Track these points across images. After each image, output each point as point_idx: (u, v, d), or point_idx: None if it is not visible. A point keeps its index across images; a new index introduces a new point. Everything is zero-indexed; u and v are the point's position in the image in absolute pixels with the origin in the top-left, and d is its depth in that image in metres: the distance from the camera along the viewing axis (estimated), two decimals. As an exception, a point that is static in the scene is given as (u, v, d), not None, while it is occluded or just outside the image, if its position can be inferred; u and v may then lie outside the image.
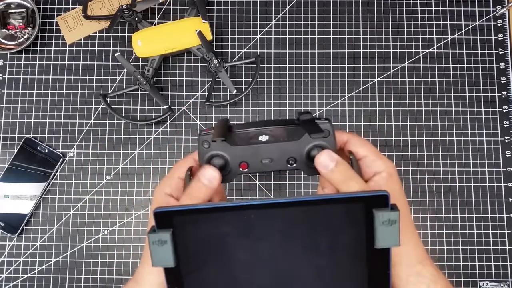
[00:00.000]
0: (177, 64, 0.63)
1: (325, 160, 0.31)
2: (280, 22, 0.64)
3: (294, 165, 0.33)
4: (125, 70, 0.63)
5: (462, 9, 0.64)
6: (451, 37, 0.64)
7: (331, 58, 0.63)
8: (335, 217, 0.29)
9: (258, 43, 0.63)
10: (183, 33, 0.59)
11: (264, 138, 0.33)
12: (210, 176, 0.32)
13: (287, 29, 0.64)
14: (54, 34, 0.63)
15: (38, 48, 0.63)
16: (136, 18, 0.60)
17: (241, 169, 0.33)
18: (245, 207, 0.29)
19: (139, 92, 0.62)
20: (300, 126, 0.33)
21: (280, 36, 0.64)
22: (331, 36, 0.64)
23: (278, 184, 0.61)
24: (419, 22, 0.64)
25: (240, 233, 0.30)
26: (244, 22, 0.64)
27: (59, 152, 0.61)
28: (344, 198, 0.29)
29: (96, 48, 0.63)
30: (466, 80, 0.63)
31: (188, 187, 0.33)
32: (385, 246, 0.28)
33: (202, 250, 0.30)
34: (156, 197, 0.35)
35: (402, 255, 0.32)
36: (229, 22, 0.64)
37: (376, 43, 0.63)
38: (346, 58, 0.63)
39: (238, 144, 0.33)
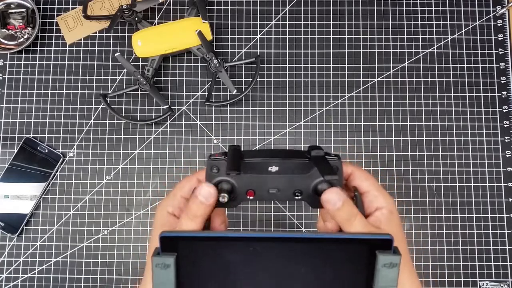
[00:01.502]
0: (177, 64, 0.63)
1: (333, 199, 0.32)
2: (280, 22, 0.64)
3: (300, 197, 0.33)
4: (125, 70, 0.63)
5: (462, 9, 0.64)
6: (451, 37, 0.64)
7: (331, 58, 0.63)
8: (338, 255, 0.29)
9: (258, 43, 0.63)
10: (183, 33, 0.59)
11: (273, 169, 0.33)
12: (206, 193, 0.32)
13: (287, 29, 0.64)
14: (54, 34, 0.63)
15: (38, 48, 0.63)
16: (136, 18, 0.60)
17: (247, 197, 0.34)
18: (250, 238, 0.29)
19: (139, 92, 0.62)
20: (312, 162, 0.34)
21: (280, 36, 0.64)
22: (331, 36, 0.64)
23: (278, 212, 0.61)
24: (419, 22, 0.64)
25: (244, 263, 0.30)
26: (244, 22, 0.64)
27: (59, 152, 0.61)
28: (350, 238, 0.29)
29: (96, 48, 0.63)
30: (466, 80, 0.63)
31: (186, 206, 0.33)
32: None
33: (205, 276, 0.30)
34: (158, 216, 0.35)
35: (407, 282, 0.33)
36: (229, 22, 0.64)
37: (376, 43, 0.63)
38: (346, 58, 0.63)
39: (247, 172, 0.33)
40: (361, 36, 0.64)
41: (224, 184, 0.33)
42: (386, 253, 0.28)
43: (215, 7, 0.64)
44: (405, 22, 0.64)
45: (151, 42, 0.59)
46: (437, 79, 0.63)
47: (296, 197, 0.33)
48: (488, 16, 0.64)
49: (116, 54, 0.59)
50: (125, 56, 0.63)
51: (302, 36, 0.64)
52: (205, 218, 0.32)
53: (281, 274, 0.30)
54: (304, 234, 0.29)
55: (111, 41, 0.63)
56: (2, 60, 0.63)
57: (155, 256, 0.28)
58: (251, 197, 0.33)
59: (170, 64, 0.63)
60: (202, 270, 0.30)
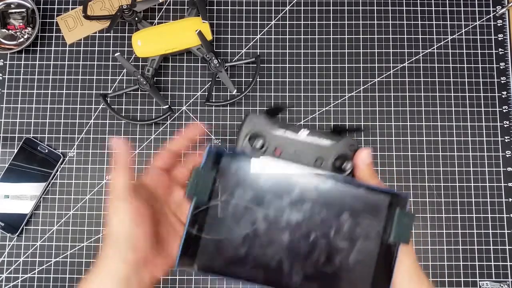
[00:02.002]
0: (177, 64, 0.63)
1: (366, 155, 0.36)
2: (280, 22, 0.64)
3: (320, 166, 0.37)
4: (125, 70, 0.63)
5: (462, 9, 0.64)
6: (451, 37, 0.64)
7: (331, 58, 0.63)
8: (363, 204, 0.33)
9: (258, 43, 0.63)
10: (183, 33, 0.59)
11: (303, 133, 0.37)
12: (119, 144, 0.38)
13: (287, 29, 0.64)
14: (54, 34, 0.63)
15: (38, 48, 0.63)
16: (136, 18, 0.60)
17: (274, 153, 0.37)
18: (289, 168, 0.33)
19: (139, 92, 0.62)
20: (334, 132, 0.38)
21: (280, 36, 0.64)
22: (331, 36, 0.64)
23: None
24: (419, 22, 0.64)
25: (277, 192, 0.32)
26: (244, 22, 0.64)
27: (59, 152, 0.61)
28: (378, 188, 0.33)
29: (96, 48, 0.63)
30: (466, 80, 0.63)
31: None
32: (397, 242, 0.32)
33: (235, 200, 0.32)
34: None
35: (406, 256, 0.34)
36: (229, 22, 0.64)
37: (376, 43, 0.63)
38: (346, 58, 0.63)
39: (280, 130, 0.37)
40: (361, 36, 0.64)
41: (256, 138, 0.37)
42: (404, 209, 0.32)
43: (215, 7, 0.64)
44: (405, 22, 0.64)
45: (151, 42, 0.59)
46: (437, 79, 0.63)
47: (316, 165, 0.37)
48: (488, 16, 0.64)
49: (116, 54, 0.59)
50: (125, 56, 0.63)
51: (302, 36, 0.64)
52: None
53: (308, 209, 0.33)
54: (341, 175, 0.34)
55: (111, 41, 0.63)
56: (2, 60, 0.63)
57: (197, 167, 0.32)
58: (278, 155, 0.37)
59: (170, 64, 0.63)
60: (235, 192, 0.32)
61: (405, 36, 0.64)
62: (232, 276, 0.32)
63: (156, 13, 0.64)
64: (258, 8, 0.64)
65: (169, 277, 0.58)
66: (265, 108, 0.37)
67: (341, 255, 0.33)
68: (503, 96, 0.62)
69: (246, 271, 0.32)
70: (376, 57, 0.63)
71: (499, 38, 0.63)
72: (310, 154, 0.37)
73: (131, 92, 0.62)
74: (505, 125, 0.62)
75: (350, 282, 0.33)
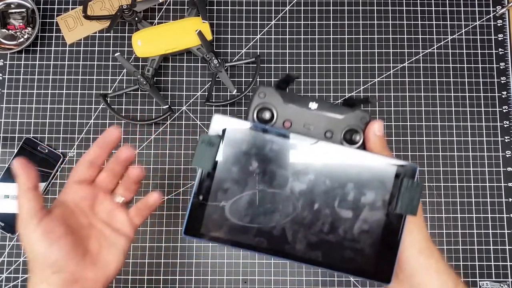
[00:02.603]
0: (177, 64, 0.63)
1: (378, 127, 0.36)
2: (280, 22, 0.64)
3: (330, 139, 0.37)
4: (125, 70, 0.63)
5: (462, 9, 0.64)
6: (451, 37, 0.64)
7: (331, 58, 0.63)
8: (370, 174, 0.33)
9: (258, 43, 0.63)
10: (183, 33, 0.59)
11: (313, 106, 0.36)
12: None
13: (287, 29, 0.64)
14: (54, 34, 0.63)
15: (38, 48, 0.63)
16: (136, 18, 0.60)
17: (284, 127, 0.37)
18: (296, 137, 0.33)
19: (139, 92, 0.62)
20: (345, 105, 0.38)
21: (280, 36, 0.64)
22: (331, 36, 0.64)
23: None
24: (419, 22, 0.64)
25: (282, 162, 0.33)
26: (244, 22, 0.64)
27: (59, 152, 0.61)
28: (385, 158, 0.33)
29: (96, 48, 0.63)
30: (466, 80, 0.63)
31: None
32: (404, 213, 0.32)
33: (240, 168, 0.33)
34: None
35: (416, 228, 0.35)
36: (229, 22, 0.64)
37: (376, 43, 0.63)
38: (346, 58, 0.63)
39: (289, 102, 0.36)
40: (361, 36, 0.64)
41: (266, 110, 0.36)
42: (411, 179, 0.32)
43: (215, 7, 0.64)
44: (405, 22, 0.64)
45: (151, 42, 0.59)
46: (437, 79, 0.63)
47: (326, 137, 0.37)
48: (488, 16, 0.64)
49: (116, 54, 0.59)
50: (125, 56, 0.63)
51: (302, 36, 0.64)
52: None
53: (313, 178, 0.33)
54: (347, 146, 0.34)
55: (111, 41, 0.63)
56: (2, 60, 0.63)
57: (203, 134, 0.32)
58: (288, 127, 0.37)
59: (170, 64, 0.63)
60: (240, 161, 0.33)
61: (405, 36, 0.64)
62: (236, 244, 0.33)
63: (156, 13, 0.64)
64: (258, 8, 0.64)
65: (169, 277, 0.59)
66: (276, 80, 0.36)
67: (346, 224, 0.33)
68: (503, 96, 0.62)
69: (250, 239, 0.33)
70: (376, 57, 0.63)
71: (499, 38, 0.63)
72: (320, 127, 0.36)
73: (131, 92, 0.62)
74: (505, 125, 0.62)
75: (354, 252, 0.33)
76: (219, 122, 0.32)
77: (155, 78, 0.62)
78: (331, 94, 0.62)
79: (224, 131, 0.32)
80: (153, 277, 0.59)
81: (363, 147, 0.36)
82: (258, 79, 0.62)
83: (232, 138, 0.33)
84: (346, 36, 0.64)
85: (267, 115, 0.36)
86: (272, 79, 0.63)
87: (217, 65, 0.59)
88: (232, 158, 0.33)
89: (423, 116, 0.62)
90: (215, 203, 0.33)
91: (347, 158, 0.33)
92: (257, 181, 0.33)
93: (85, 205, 0.40)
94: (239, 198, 0.33)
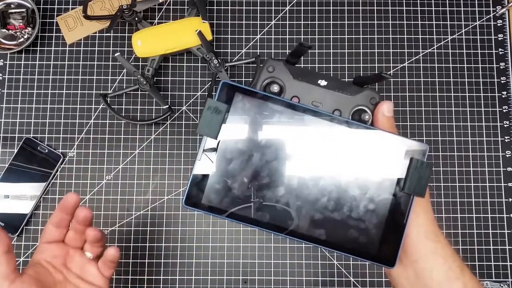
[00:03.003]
0: (177, 64, 0.63)
1: (389, 107, 0.35)
2: (280, 22, 0.64)
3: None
4: (125, 70, 0.63)
5: (462, 9, 0.64)
6: (451, 37, 0.64)
7: (331, 58, 0.63)
8: (379, 151, 0.32)
9: (258, 43, 0.63)
10: (183, 33, 0.59)
11: (322, 82, 0.35)
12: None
13: (287, 29, 0.64)
14: (54, 34, 0.63)
15: (38, 48, 0.63)
16: (136, 18, 0.60)
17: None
18: (309, 111, 0.32)
19: (139, 92, 0.62)
20: (355, 84, 0.36)
21: (280, 36, 0.64)
22: (331, 36, 0.64)
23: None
24: (419, 22, 0.64)
25: (289, 135, 0.32)
26: (244, 22, 0.64)
27: (59, 152, 0.61)
28: (394, 135, 0.32)
29: (96, 48, 0.63)
30: (466, 80, 0.63)
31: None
32: (412, 193, 0.31)
33: (247, 138, 0.31)
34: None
35: (423, 211, 0.33)
36: (229, 22, 0.64)
37: (376, 43, 0.63)
38: (346, 58, 0.63)
39: (298, 78, 0.35)
40: (361, 36, 0.64)
41: (274, 84, 0.35)
42: (421, 159, 0.31)
43: (215, 7, 0.64)
44: (405, 22, 0.64)
45: (151, 42, 0.59)
46: (437, 79, 0.63)
47: None
48: (488, 16, 0.64)
49: (116, 54, 0.59)
50: (125, 56, 0.63)
51: (302, 36, 0.64)
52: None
53: (319, 151, 0.32)
54: (355, 121, 0.32)
55: (111, 41, 0.63)
56: (2, 60, 0.63)
57: (210, 99, 0.30)
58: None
59: (170, 64, 0.63)
60: (245, 130, 0.31)
61: (405, 36, 0.64)
62: (237, 217, 0.32)
63: (156, 13, 0.64)
64: (258, 8, 0.64)
65: (169, 277, 0.59)
66: (288, 52, 0.35)
67: (352, 202, 0.32)
68: (503, 96, 0.62)
69: (252, 213, 0.32)
70: (376, 57, 0.63)
71: (499, 38, 0.63)
72: (328, 105, 0.35)
73: (131, 92, 0.62)
74: (505, 125, 0.62)
75: (359, 232, 0.32)
76: (226, 89, 0.31)
77: (155, 78, 0.62)
78: (331, 94, 0.62)
79: (232, 98, 0.31)
80: (153, 277, 0.59)
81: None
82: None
83: (239, 106, 0.31)
84: (346, 36, 0.64)
85: (275, 89, 0.35)
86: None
87: (217, 65, 0.59)
88: (239, 127, 0.31)
89: (423, 116, 0.62)
90: (218, 173, 0.31)
91: (356, 134, 0.32)
92: (262, 152, 0.32)
93: (58, 262, 0.42)
94: (242, 170, 0.31)
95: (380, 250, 0.32)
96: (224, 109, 0.30)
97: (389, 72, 0.34)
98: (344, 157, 0.32)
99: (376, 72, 0.34)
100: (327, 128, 0.32)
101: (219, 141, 0.31)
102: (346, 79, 0.63)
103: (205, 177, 0.31)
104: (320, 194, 0.32)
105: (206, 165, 0.31)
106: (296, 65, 0.36)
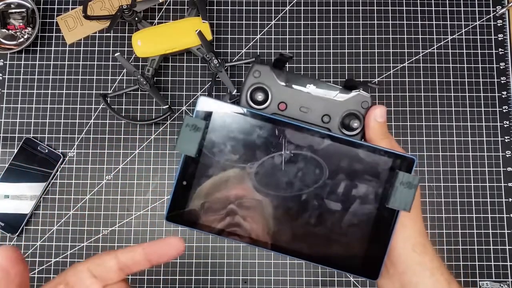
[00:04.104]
0: (177, 64, 0.63)
1: (380, 113, 0.33)
2: (280, 22, 0.64)
3: (327, 123, 0.34)
4: (125, 70, 0.63)
5: (462, 9, 0.64)
6: (451, 37, 0.64)
7: (331, 58, 0.63)
8: (361, 165, 0.31)
9: (258, 43, 0.63)
10: (183, 33, 0.59)
11: (311, 88, 0.34)
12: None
13: (287, 29, 0.64)
14: (54, 34, 0.63)
15: (38, 48, 0.63)
16: (136, 18, 0.60)
17: (279, 109, 0.34)
18: (290, 125, 0.31)
19: (139, 92, 0.62)
20: (346, 87, 0.35)
21: (280, 36, 0.64)
22: (331, 36, 0.64)
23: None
24: (419, 22, 0.64)
25: (270, 148, 0.31)
26: (244, 22, 0.64)
27: (59, 152, 0.61)
28: (378, 149, 0.31)
29: (96, 48, 0.63)
30: (466, 80, 0.63)
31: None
32: (397, 208, 0.30)
33: (226, 154, 0.31)
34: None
35: (411, 223, 0.33)
36: (229, 22, 0.64)
37: (376, 43, 0.63)
38: (346, 58, 0.63)
39: (286, 83, 0.34)
40: (361, 36, 0.64)
41: (260, 90, 0.34)
42: (406, 173, 0.30)
43: (215, 7, 0.64)
44: (405, 22, 0.64)
45: (151, 42, 0.59)
46: (437, 79, 0.63)
47: (324, 122, 0.34)
48: (488, 16, 0.64)
49: (116, 54, 0.59)
50: (125, 56, 0.63)
51: (302, 36, 0.64)
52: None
53: (300, 167, 0.31)
54: (337, 134, 0.31)
55: (111, 41, 0.63)
56: (2, 60, 0.63)
57: (188, 116, 0.29)
58: (283, 110, 0.34)
59: (170, 64, 0.63)
60: (225, 144, 0.31)
61: (405, 36, 0.64)
62: (219, 233, 0.31)
63: (156, 13, 0.64)
64: (258, 8, 0.64)
65: (169, 277, 0.59)
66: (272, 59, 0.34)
67: (334, 217, 0.31)
68: (503, 96, 0.62)
69: (234, 228, 0.31)
70: (376, 57, 0.63)
71: (499, 38, 0.63)
72: (317, 110, 0.34)
73: (131, 92, 0.62)
74: (505, 125, 0.62)
75: (341, 246, 0.31)
76: (205, 105, 0.30)
77: (155, 78, 0.62)
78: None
79: (210, 114, 0.30)
80: (153, 277, 0.59)
81: (363, 133, 0.34)
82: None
83: (218, 122, 0.30)
84: (346, 36, 0.64)
85: (260, 96, 0.34)
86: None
87: (217, 65, 0.59)
88: (218, 143, 0.31)
89: (423, 116, 0.62)
90: (200, 189, 0.31)
91: (341, 147, 0.31)
92: (243, 167, 0.31)
93: None
94: (222, 185, 0.31)
95: (363, 263, 0.31)
96: (203, 125, 0.30)
97: (374, 81, 0.33)
98: (327, 170, 0.31)
99: (362, 79, 0.33)
100: (309, 140, 0.31)
101: (199, 158, 0.31)
102: (339, 81, 0.63)
103: (186, 193, 0.31)
104: (302, 208, 0.31)
105: (186, 181, 0.31)
106: (285, 68, 0.35)
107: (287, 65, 0.39)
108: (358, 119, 0.34)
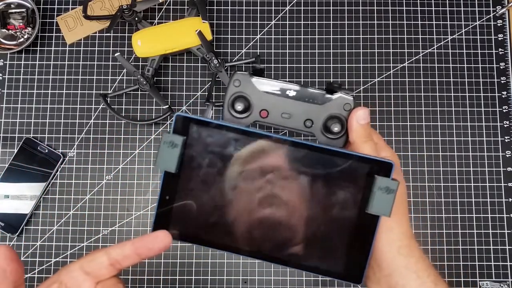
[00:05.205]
0: (177, 64, 0.63)
1: (363, 115, 0.33)
2: (280, 22, 0.64)
3: (310, 128, 0.34)
4: (125, 70, 0.63)
5: (462, 9, 0.64)
6: (451, 37, 0.64)
7: (331, 58, 0.63)
8: (339, 172, 0.31)
9: (258, 43, 0.63)
10: (183, 33, 0.59)
11: (291, 93, 0.34)
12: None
13: (287, 29, 0.64)
14: (54, 34, 0.63)
15: (38, 48, 0.63)
16: (136, 18, 0.60)
17: (261, 116, 0.34)
18: (263, 136, 0.31)
19: (139, 92, 0.62)
20: (327, 91, 0.35)
21: (280, 36, 0.64)
22: (331, 36, 0.64)
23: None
24: (419, 22, 0.64)
25: (248, 159, 0.31)
26: (244, 22, 0.64)
27: (59, 152, 0.61)
28: (354, 155, 0.30)
29: (96, 48, 0.63)
30: (466, 80, 0.63)
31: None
32: (376, 213, 0.30)
33: (204, 168, 0.31)
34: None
35: (396, 226, 0.33)
36: (229, 22, 0.64)
37: (376, 43, 0.63)
38: (346, 58, 0.63)
39: (265, 90, 0.34)
40: (361, 36, 0.64)
41: (241, 99, 0.34)
42: (384, 177, 0.29)
43: (215, 7, 0.64)
44: (405, 22, 0.64)
45: (151, 42, 0.59)
46: (437, 79, 0.63)
47: (306, 127, 0.34)
48: (488, 16, 0.64)
49: (116, 54, 0.59)
50: (125, 56, 0.63)
51: (302, 36, 0.64)
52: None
53: (279, 178, 0.31)
54: (313, 143, 0.31)
55: (111, 41, 0.63)
56: (2, 60, 0.63)
57: (166, 134, 0.30)
58: (264, 117, 0.34)
59: (170, 64, 0.63)
60: (204, 158, 0.31)
61: (405, 36, 0.64)
62: (204, 243, 0.32)
63: (156, 13, 0.64)
64: (258, 8, 0.64)
65: (169, 277, 0.59)
66: (247, 72, 0.34)
67: (315, 223, 0.31)
68: (503, 96, 0.62)
69: (218, 238, 0.32)
70: (376, 57, 0.63)
71: (499, 38, 0.63)
72: (299, 115, 0.34)
73: (131, 92, 0.62)
74: (505, 125, 0.62)
75: (324, 252, 0.32)
76: (181, 122, 0.31)
77: (155, 78, 0.62)
78: (331, 94, 0.62)
79: (187, 130, 0.31)
80: (153, 277, 0.59)
81: (347, 136, 0.34)
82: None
83: (195, 137, 0.31)
84: (346, 36, 0.64)
85: (242, 105, 0.34)
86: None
87: (217, 65, 0.59)
88: (197, 157, 0.31)
89: (423, 116, 0.62)
90: (182, 203, 0.32)
91: (319, 155, 0.31)
92: (221, 180, 0.31)
93: None
94: (204, 197, 0.32)
95: (346, 268, 0.31)
96: (180, 142, 0.30)
97: (348, 90, 0.34)
98: (305, 178, 0.31)
99: (340, 82, 0.34)
100: (287, 150, 0.31)
101: (179, 173, 0.31)
102: (338, 81, 0.63)
103: (169, 208, 0.32)
104: (284, 215, 0.32)
105: (169, 196, 0.32)
106: (265, 75, 0.36)
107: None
108: (341, 122, 0.34)
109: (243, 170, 0.31)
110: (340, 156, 0.31)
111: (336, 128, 0.33)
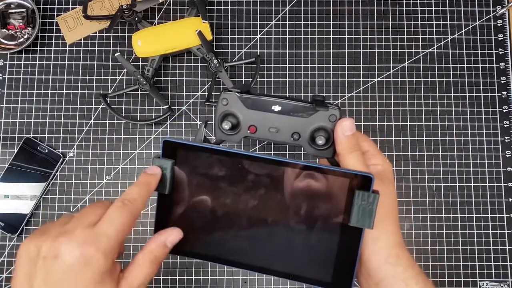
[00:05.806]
0: (177, 64, 0.63)
1: (348, 126, 0.34)
2: (280, 22, 0.64)
3: (298, 140, 0.35)
4: (125, 70, 0.63)
5: (462, 9, 0.64)
6: (451, 37, 0.64)
7: (331, 58, 0.63)
8: (324, 185, 0.32)
9: (258, 43, 0.63)
10: (183, 33, 0.59)
11: (276, 108, 0.35)
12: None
13: (287, 29, 0.64)
14: (54, 34, 0.63)
15: (38, 48, 0.63)
16: (136, 18, 0.60)
17: (249, 132, 0.36)
18: (245, 156, 0.32)
19: (139, 92, 0.62)
20: (312, 104, 0.36)
21: (280, 36, 0.64)
22: (331, 36, 0.64)
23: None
24: (419, 22, 0.64)
25: (232, 180, 0.33)
26: (244, 22, 0.64)
27: (59, 152, 0.61)
28: (332, 170, 0.31)
29: (96, 48, 0.63)
30: (466, 80, 0.63)
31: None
32: (358, 226, 0.31)
33: (194, 188, 0.34)
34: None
35: (383, 235, 0.33)
36: (229, 22, 0.64)
37: (376, 43, 0.63)
38: (346, 58, 0.63)
39: (252, 107, 0.36)
40: (361, 36, 0.64)
41: (230, 116, 0.36)
42: (364, 191, 0.30)
43: (215, 7, 0.64)
44: (405, 22, 0.64)
45: (151, 42, 0.59)
46: (437, 79, 0.63)
47: (294, 140, 0.36)
48: (488, 16, 0.64)
49: (116, 54, 0.59)
50: (125, 56, 0.63)
51: (302, 36, 0.64)
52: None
53: (263, 195, 0.33)
54: (292, 160, 0.32)
55: (111, 41, 0.63)
56: (2, 60, 0.63)
57: (155, 158, 0.33)
58: (253, 133, 0.36)
59: (170, 64, 0.63)
60: (194, 181, 0.33)
61: (405, 36, 0.64)
62: (199, 257, 0.34)
63: (156, 13, 0.64)
64: (258, 8, 0.64)
65: (169, 277, 0.59)
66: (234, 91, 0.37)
67: (301, 237, 0.33)
68: (503, 96, 0.62)
69: (212, 252, 0.34)
70: (376, 57, 0.63)
71: (499, 38, 0.63)
72: (286, 129, 0.35)
73: (131, 92, 0.62)
74: (505, 125, 0.62)
75: (311, 263, 0.33)
76: (169, 147, 0.33)
77: (155, 78, 0.62)
78: (331, 94, 0.62)
79: (175, 153, 0.33)
80: (153, 277, 0.59)
81: (334, 147, 0.35)
82: (258, 79, 0.62)
83: (183, 160, 0.33)
84: (346, 36, 0.64)
85: (230, 123, 0.36)
86: (272, 79, 0.63)
87: (217, 65, 0.59)
88: (187, 178, 0.33)
89: (423, 116, 0.62)
90: (177, 221, 0.34)
91: (298, 172, 0.32)
92: (213, 199, 0.33)
93: None
94: (196, 215, 0.34)
95: (333, 278, 0.32)
96: (169, 165, 0.32)
97: (334, 103, 0.36)
98: (289, 194, 0.32)
99: (324, 97, 0.36)
100: (271, 167, 0.32)
101: (172, 194, 0.33)
102: (338, 81, 0.63)
103: (164, 226, 0.34)
104: (269, 231, 0.33)
105: (163, 216, 0.34)
106: (251, 93, 0.37)
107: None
108: (327, 134, 0.35)
109: (230, 188, 0.33)
110: (319, 172, 0.31)
111: (320, 141, 0.34)
